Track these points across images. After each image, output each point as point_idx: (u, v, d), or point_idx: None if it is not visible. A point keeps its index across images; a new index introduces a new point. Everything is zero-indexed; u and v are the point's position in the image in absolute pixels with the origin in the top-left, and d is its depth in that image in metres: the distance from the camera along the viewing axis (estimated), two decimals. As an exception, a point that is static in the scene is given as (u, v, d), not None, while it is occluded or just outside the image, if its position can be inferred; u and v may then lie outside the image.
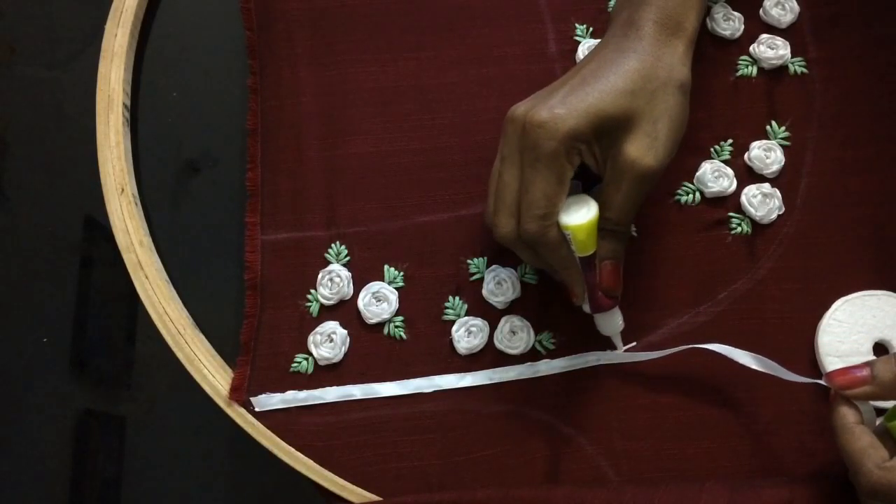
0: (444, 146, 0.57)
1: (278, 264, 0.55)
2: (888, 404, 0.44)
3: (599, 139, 0.45)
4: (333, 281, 0.54)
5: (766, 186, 0.55)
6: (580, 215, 0.46)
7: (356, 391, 0.53)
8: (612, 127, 0.45)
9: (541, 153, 0.44)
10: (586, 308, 0.50)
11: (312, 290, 0.54)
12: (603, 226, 0.46)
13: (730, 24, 0.58)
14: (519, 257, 0.52)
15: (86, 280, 0.61)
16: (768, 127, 0.57)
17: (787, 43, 0.57)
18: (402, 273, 0.54)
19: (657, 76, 0.46)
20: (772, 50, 0.57)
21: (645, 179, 0.45)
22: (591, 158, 0.46)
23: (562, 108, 0.44)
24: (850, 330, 0.52)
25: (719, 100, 0.57)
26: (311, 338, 0.53)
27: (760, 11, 0.59)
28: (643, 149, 0.45)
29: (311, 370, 0.53)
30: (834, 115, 0.56)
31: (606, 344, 0.52)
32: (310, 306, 0.54)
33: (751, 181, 0.55)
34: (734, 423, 0.52)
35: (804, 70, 0.57)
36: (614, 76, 0.45)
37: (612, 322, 0.50)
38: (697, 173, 0.55)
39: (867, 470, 0.41)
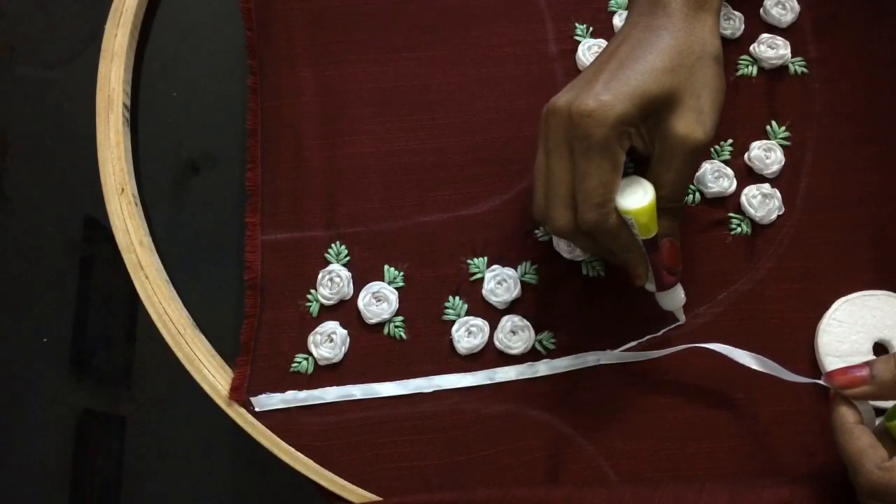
0: (444, 146, 0.57)
1: (278, 264, 0.55)
2: (888, 404, 0.44)
3: (646, 120, 0.45)
4: (333, 281, 0.54)
5: (766, 187, 0.55)
6: (637, 198, 0.45)
7: (356, 391, 0.53)
8: (658, 107, 0.45)
9: (593, 142, 0.44)
10: (650, 287, 0.50)
11: (312, 290, 0.54)
12: (658, 204, 0.46)
13: (730, 23, 0.58)
14: (522, 257, 0.52)
15: (86, 280, 0.61)
16: (768, 127, 0.57)
17: (788, 43, 0.57)
18: (402, 273, 0.54)
19: (693, 50, 0.45)
20: (772, 50, 0.57)
21: (696, 153, 0.45)
22: (639, 140, 0.46)
23: (607, 94, 0.44)
24: (850, 330, 0.52)
25: (719, 100, 0.57)
26: (311, 338, 0.53)
27: (761, 11, 0.59)
28: (691, 123, 0.45)
29: (311, 370, 0.53)
30: (834, 115, 0.56)
31: (607, 344, 0.52)
32: (310, 306, 0.54)
33: (751, 181, 0.55)
34: (734, 423, 0.52)
35: (804, 70, 0.57)
36: (652, 56, 0.45)
37: (676, 297, 0.50)
38: (697, 173, 0.55)
39: (866, 470, 0.41)
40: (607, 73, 0.45)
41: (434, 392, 0.53)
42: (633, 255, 0.47)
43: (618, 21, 0.58)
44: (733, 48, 0.58)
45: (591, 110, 0.43)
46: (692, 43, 0.46)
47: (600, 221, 0.45)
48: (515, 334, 0.53)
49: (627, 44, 0.46)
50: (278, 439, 0.52)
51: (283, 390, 0.53)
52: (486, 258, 0.55)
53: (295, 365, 0.53)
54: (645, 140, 0.46)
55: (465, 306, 0.54)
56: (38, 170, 0.63)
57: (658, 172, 0.46)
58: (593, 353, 0.53)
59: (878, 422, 0.44)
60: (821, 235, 0.54)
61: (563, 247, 0.54)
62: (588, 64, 0.57)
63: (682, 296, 0.50)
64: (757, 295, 0.54)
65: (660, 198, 0.46)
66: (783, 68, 0.57)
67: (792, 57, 0.57)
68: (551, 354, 0.53)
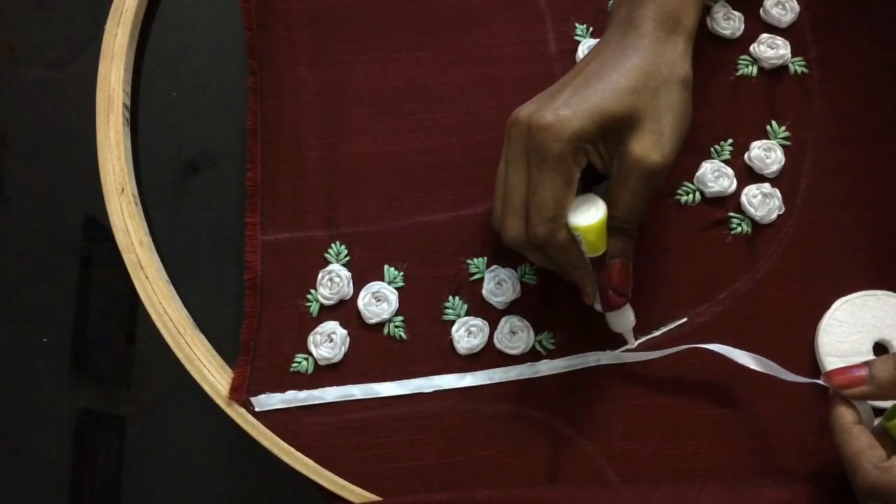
0: (444, 146, 0.57)
1: (278, 264, 0.55)
2: (887, 404, 0.44)
3: (605, 138, 0.45)
4: (333, 281, 0.54)
5: (766, 186, 0.55)
6: (589, 216, 0.45)
7: (356, 391, 0.53)
8: (618, 126, 0.45)
9: (548, 155, 0.44)
10: (598, 307, 0.50)
11: (312, 290, 0.54)
12: (611, 224, 0.46)
13: (730, 23, 0.58)
14: (522, 258, 0.52)
15: (86, 280, 0.61)
16: (768, 127, 0.57)
17: (788, 43, 0.57)
18: (402, 273, 0.54)
19: (659, 73, 0.46)
20: (772, 49, 0.57)
21: (652, 176, 0.45)
22: (597, 158, 0.46)
23: (566, 109, 0.44)
24: (850, 330, 0.52)
25: (719, 99, 0.57)
26: (311, 338, 0.53)
27: (761, 11, 0.59)
28: (649, 146, 0.45)
29: (311, 370, 0.53)
30: (834, 115, 0.56)
31: (607, 344, 0.52)
32: (310, 306, 0.54)
33: (751, 181, 0.55)
34: (734, 423, 0.52)
35: (804, 70, 0.57)
36: (617, 75, 0.45)
37: (624, 319, 0.50)
38: (697, 173, 0.55)
39: (864, 470, 0.41)
40: (571, 87, 0.45)
41: (434, 392, 0.53)
42: (581, 272, 0.48)
43: (618, 21, 0.58)
44: (733, 48, 0.58)
45: (549, 124, 0.44)
46: (660, 65, 0.46)
47: (549, 235, 0.45)
48: (515, 334, 0.53)
49: (597, 61, 0.47)
50: (278, 439, 0.52)
51: (283, 390, 0.53)
52: (486, 258, 0.55)
53: (295, 365, 0.53)
54: (604, 158, 0.46)
55: (465, 306, 0.54)
56: (38, 170, 0.63)
57: (614, 192, 0.46)
58: (593, 353, 0.53)
59: (876, 422, 0.44)
60: (821, 235, 0.54)
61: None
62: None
63: (632, 318, 0.50)
64: (757, 295, 0.54)
65: (614, 217, 0.46)
66: (783, 68, 0.57)
67: (792, 57, 0.57)
68: (551, 354, 0.53)
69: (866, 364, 0.44)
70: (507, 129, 0.47)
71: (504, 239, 0.47)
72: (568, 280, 0.49)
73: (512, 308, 0.54)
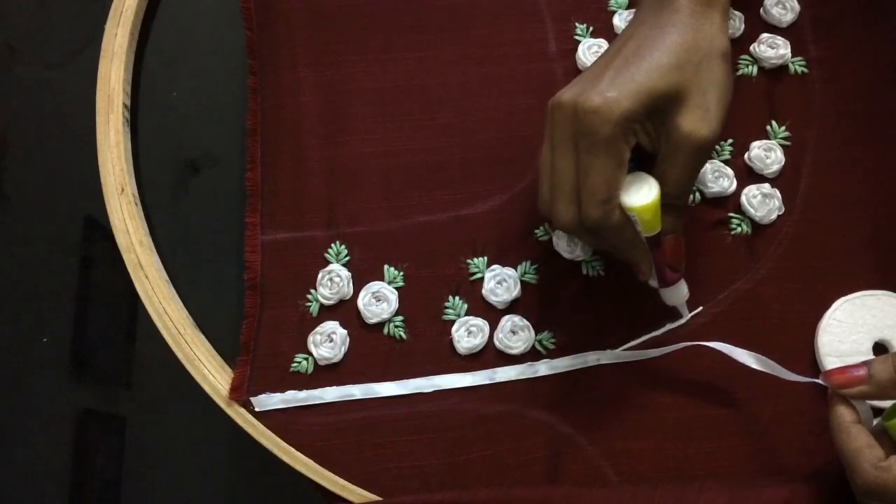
0: (444, 146, 0.57)
1: (278, 264, 0.55)
2: (886, 404, 0.44)
3: (651, 117, 0.45)
4: (333, 281, 0.54)
5: (766, 187, 0.55)
6: (642, 195, 0.45)
7: (356, 391, 0.53)
8: (664, 104, 0.44)
9: (597, 139, 0.44)
10: (653, 283, 0.50)
11: (312, 290, 0.54)
12: (662, 201, 0.46)
13: (730, 23, 0.58)
14: (522, 257, 0.52)
15: (86, 280, 0.61)
16: (768, 127, 0.57)
17: (788, 42, 0.57)
18: (402, 273, 0.54)
19: (700, 48, 0.45)
20: (772, 49, 0.57)
21: (701, 151, 0.45)
22: (644, 137, 0.46)
23: (612, 91, 0.44)
24: (849, 330, 0.52)
25: (719, 99, 0.57)
26: (310, 338, 0.53)
27: (761, 11, 0.59)
28: (697, 121, 0.45)
29: (310, 370, 0.53)
30: (834, 115, 0.56)
31: (607, 344, 0.52)
32: (310, 306, 0.54)
33: (751, 181, 0.55)
34: (734, 423, 0.52)
35: (804, 70, 0.57)
36: (658, 53, 0.45)
37: (679, 293, 0.50)
38: (697, 173, 0.55)
39: (863, 469, 0.41)
40: (613, 69, 0.45)
41: (434, 392, 0.53)
42: (636, 251, 0.47)
43: (618, 21, 0.58)
44: (733, 48, 0.57)
45: (597, 106, 0.43)
46: (699, 40, 0.45)
47: (604, 218, 0.45)
48: (515, 334, 0.53)
49: (634, 40, 0.46)
50: (278, 439, 0.52)
51: (282, 390, 0.53)
52: (486, 258, 0.55)
53: (295, 365, 0.53)
54: (650, 137, 0.46)
55: (465, 306, 0.54)
56: (38, 170, 0.63)
57: (663, 169, 0.46)
58: (593, 352, 0.53)
59: (875, 422, 0.44)
60: (821, 235, 0.54)
61: (562, 246, 0.54)
62: (589, 63, 0.57)
63: (686, 291, 0.50)
64: (757, 295, 0.54)
65: (664, 195, 0.46)
66: (783, 68, 0.57)
67: (792, 57, 0.57)
68: (551, 354, 0.53)
69: (865, 364, 0.43)
70: (549, 113, 0.46)
71: (555, 224, 0.47)
72: (620, 259, 0.49)
73: (512, 308, 0.54)
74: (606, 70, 0.45)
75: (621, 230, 0.46)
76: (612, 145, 0.44)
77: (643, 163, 0.47)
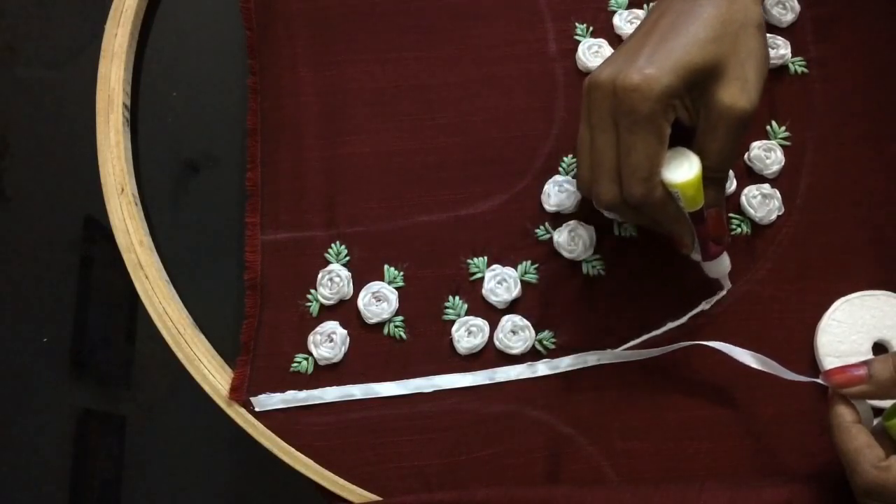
0: (444, 146, 0.57)
1: (278, 264, 0.55)
2: (886, 404, 0.44)
3: (690, 91, 0.45)
4: (333, 281, 0.54)
5: (766, 187, 0.55)
6: (684, 171, 0.45)
7: (356, 391, 0.53)
8: (702, 77, 0.44)
9: (638, 116, 0.43)
10: (695, 257, 0.50)
11: (312, 290, 0.54)
12: (704, 175, 0.46)
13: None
14: (522, 257, 0.52)
15: (86, 280, 0.61)
16: (768, 127, 0.57)
17: (788, 42, 0.57)
18: (402, 273, 0.54)
19: (735, 19, 0.45)
20: (772, 49, 0.57)
21: (741, 123, 0.45)
22: (683, 111, 0.45)
23: (651, 67, 0.43)
24: (849, 330, 0.52)
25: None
26: (311, 338, 0.53)
27: (760, 11, 0.59)
28: (737, 93, 0.44)
29: (310, 370, 0.53)
30: (834, 115, 0.56)
31: (607, 344, 0.52)
32: (310, 306, 0.54)
33: (751, 181, 0.55)
34: (734, 423, 0.52)
35: (804, 70, 0.57)
36: (695, 27, 0.44)
37: (722, 265, 0.50)
38: (697, 173, 0.55)
39: (863, 469, 0.41)
40: (650, 45, 0.44)
41: (434, 392, 0.53)
42: (679, 226, 0.47)
43: (618, 21, 0.58)
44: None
45: (637, 84, 0.43)
46: (734, 11, 0.45)
47: (646, 195, 0.45)
48: (515, 334, 0.53)
49: (669, 15, 0.46)
50: (278, 439, 0.52)
51: (283, 390, 0.53)
52: (486, 258, 0.55)
53: (295, 365, 0.53)
54: (689, 111, 0.46)
55: (465, 306, 0.54)
56: (38, 170, 0.63)
57: (703, 143, 0.46)
58: (593, 352, 0.53)
59: (875, 422, 0.44)
60: (821, 235, 0.54)
61: (563, 245, 0.54)
62: (589, 63, 0.57)
63: (728, 263, 0.50)
64: (756, 295, 0.54)
65: (705, 168, 0.45)
66: (783, 68, 0.57)
67: (792, 57, 0.57)
68: (551, 354, 0.53)
69: (865, 363, 0.44)
70: (586, 93, 0.46)
71: (597, 203, 0.47)
72: (663, 233, 0.49)
73: (512, 308, 0.54)
74: (643, 47, 0.45)
75: (664, 206, 0.46)
76: (652, 122, 0.44)
77: (679, 136, 0.47)
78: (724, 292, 0.52)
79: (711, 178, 0.46)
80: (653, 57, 0.44)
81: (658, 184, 0.45)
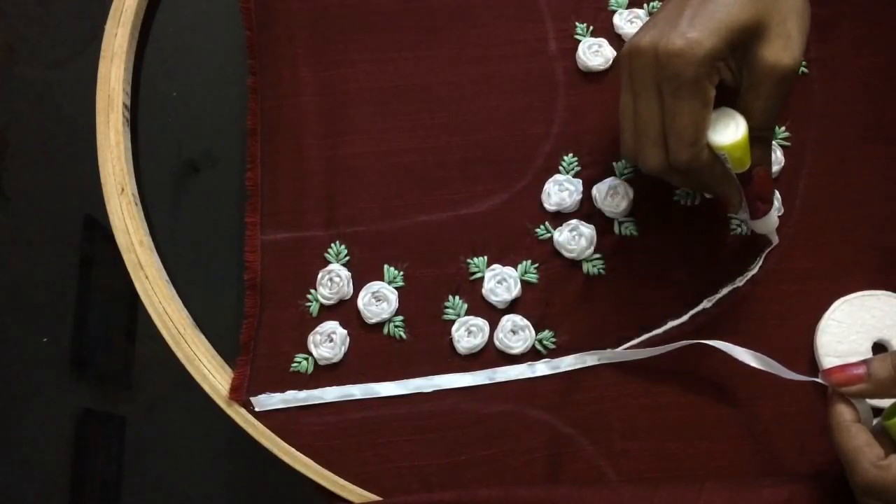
0: (444, 146, 0.57)
1: (278, 264, 0.55)
2: (885, 403, 0.44)
3: (733, 52, 0.45)
4: (333, 281, 0.54)
5: (766, 186, 0.55)
6: (730, 132, 0.45)
7: (356, 391, 0.53)
8: (745, 37, 0.44)
9: (683, 81, 0.43)
10: (743, 216, 0.50)
11: (312, 290, 0.54)
12: (749, 134, 0.45)
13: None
14: (522, 257, 0.52)
15: (86, 280, 0.61)
16: (768, 127, 0.57)
17: (787, 43, 0.57)
18: (402, 273, 0.54)
19: None
20: (772, 50, 0.57)
21: (786, 79, 0.45)
22: (727, 72, 0.45)
23: (694, 31, 0.43)
24: (849, 330, 0.52)
25: (719, 99, 0.57)
26: (310, 338, 0.53)
27: (760, 11, 0.58)
28: (780, 50, 0.44)
29: (310, 370, 0.53)
30: (834, 115, 0.56)
31: (607, 343, 0.52)
32: (310, 306, 0.54)
33: (751, 181, 0.55)
34: (734, 423, 0.52)
35: (804, 70, 0.57)
36: None
37: (769, 222, 0.50)
38: (697, 173, 0.55)
39: (862, 468, 0.41)
40: (691, 7, 0.44)
41: (434, 392, 0.53)
42: (727, 187, 0.47)
43: (618, 20, 0.58)
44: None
45: (680, 49, 0.43)
46: None
47: (693, 159, 0.45)
48: (515, 334, 0.53)
49: None
50: (278, 439, 0.52)
51: (282, 390, 0.53)
52: (486, 258, 0.55)
53: (295, 365, 0.53)
54: (733, 71, 0.45)
55: (465, 306, 0.54)
56: (38, 170, 0.63)
57: (748, 101, 0.46)
58: (593, 352, 0.53)
59: (875, 421, 0.44)
60: (820, 235, 0.54)
61: (563, 245, 0.54)
62: (589, 63, 0.57)
63: (776, 219, 0.50)
64: (756, 295, 0.54)
65: (751, 128, 0.45)
66: (783, 68, 0.57)
67: (792, 57, 0.57)
68: (551, 354, 0.53)
69: (865, 362, 0.44)
70: (628, 60, 0.46)
71: (643, 168, 0.47)
72: (710, 195, 0.49)
73: (512, 307, 0.54)
74: (684, 9, 0.44)
75: (711, 168, 0.46)
76: (697, 86, 0.43)
77: (721, 96, 0.46)
78: (774, 244, 0.52)
79: (757, 136, 0.46)
80: (694, 20, 0.43)
81: (704, 147, 0.45)
